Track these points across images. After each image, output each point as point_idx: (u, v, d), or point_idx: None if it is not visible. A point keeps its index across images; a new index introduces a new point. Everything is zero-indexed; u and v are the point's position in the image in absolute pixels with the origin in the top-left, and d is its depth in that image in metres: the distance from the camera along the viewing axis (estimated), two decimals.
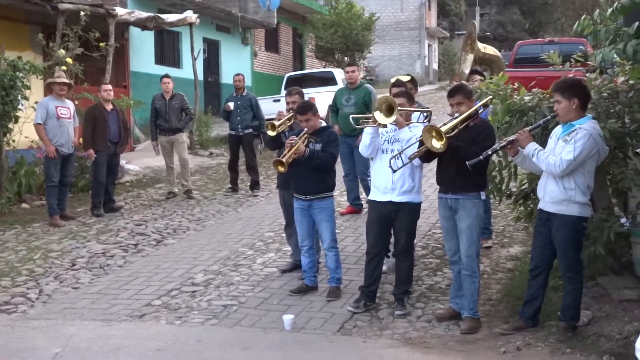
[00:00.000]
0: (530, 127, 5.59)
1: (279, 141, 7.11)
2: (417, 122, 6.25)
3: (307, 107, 6.70)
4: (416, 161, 5.98)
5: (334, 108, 9.88)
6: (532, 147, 5.37)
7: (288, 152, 6.50)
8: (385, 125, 5.99)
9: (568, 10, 25.12)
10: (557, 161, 5.19)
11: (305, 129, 6.60)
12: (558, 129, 5.49)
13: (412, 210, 6.19)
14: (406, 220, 6.16)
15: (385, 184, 6.12)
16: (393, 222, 6.20)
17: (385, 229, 6.27)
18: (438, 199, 6.05)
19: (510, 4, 53.50)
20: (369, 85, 9.84)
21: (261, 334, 5.86)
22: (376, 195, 6.25)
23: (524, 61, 17.72)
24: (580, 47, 15.07)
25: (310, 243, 6.79)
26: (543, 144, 5.61)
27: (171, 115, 11.46)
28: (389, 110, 5.83)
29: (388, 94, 6.76)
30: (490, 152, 5.51)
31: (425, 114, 6.40)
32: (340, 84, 19.73)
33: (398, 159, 5.95)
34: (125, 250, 8.66)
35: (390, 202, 6.12)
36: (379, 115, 5.85)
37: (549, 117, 5.59)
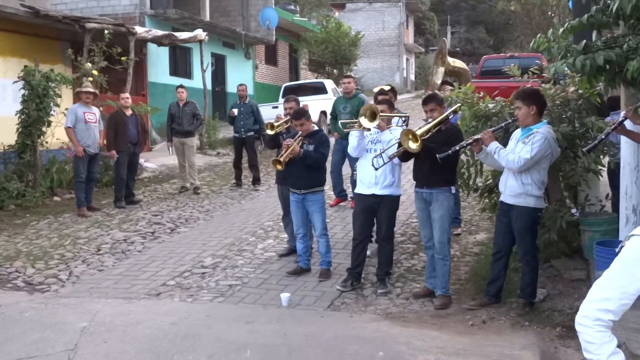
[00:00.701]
0: (493, 128, 5.60)
1: (277, 141, 7.12)
2: (397, 125, 6.26)
3: (302, 114, 6.70)
4: (396, 160, 6.02)
5: (334, 115, 9.84)
6: (494, 145, 5.37)
7: (285, 152, 6.50)
8: (369, 129, 5.99)
9: (526, 29, 25.12)
10: (516, 158, 5.20)
11: (300, 132, 6.60)
12: (518, 132, 5.49)
13: (392, 202, 6.20)
14: (387, 210, 6.17)
15: (370, 179, 6.13)
16: (376, 213, 6.20)
17: (369, 219, 6.28)
18: (414, 192, 6.06)
19: (477, 23, 53.51)
20: (362, 95, 9.81)
21: (261, 309, 5.85)
22: (361, 189, 6.25)
23: (488, 73, 17.68)
24: (537, 61, 15.11)
25: (304, 231, 6.78)
26: (505, 145, 5.62)
27: (184, 119, 11.44)
28: (373, 116, 5.85)
29: (373, 101, 6.86)
30: (457, 148, 5.52)
31: (403, 119, 6.41)
32: (330, 93, 19.72)
33: (379, 158, 5.97)
34: (143, 237, 8.63)
35: (373, 195, 6.13)
36: (363, 121, 5.87)
37: (509, 120, 5.60)
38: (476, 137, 5.50)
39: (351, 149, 6.24)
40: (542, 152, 5.20)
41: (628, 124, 5.00)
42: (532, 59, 15.74)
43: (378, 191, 6.12)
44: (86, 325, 5.43)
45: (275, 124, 7.11)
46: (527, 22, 24.02)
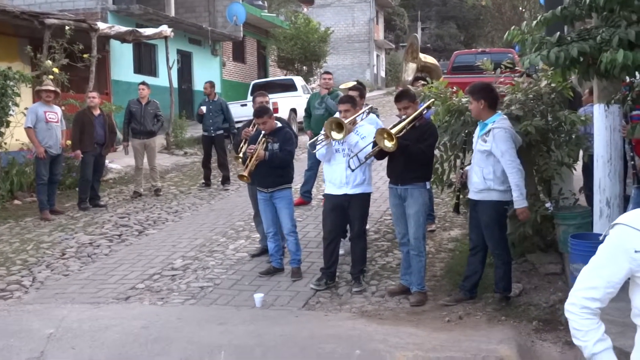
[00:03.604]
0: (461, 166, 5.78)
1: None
2: (361, 120, 6.37)
3: (263, 111, 6.69)
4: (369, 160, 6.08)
5: (308, 111, 9.83)
6: None
7: (250, 161, 6.51)
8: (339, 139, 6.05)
9: (497, 24, 25.47)
10: (512, 171, 5.30)
11: (263, 132, 6.60)
12: (477, 129, 5.62)
13: (363, 199, 6.26)
14: (359, 208, 6.22)
15: (340, 179, 6.18)
16: (347, 211, 6.25)
17: (340, 217, 6.33)
18: (389, 189, 6.11)
19: (447, 19, 53.94)
20: (340, 92, 9.82)
21: (234, 311, 5.84)
22: (332, 189, 6.29)
23: (460, 69, 17.86)
24: (510, 55, 15.35)
25: (275, 229, 6.79)
26: (469, 145, 5.77)
27: (146, 119, 11.23)
28: (339, 127, 5.95)
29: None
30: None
31: (366, 111, 6.56)
32: (300, 90, 19.73)
33: (355, 159, 6.05)
34: (110, 240, 8.54)
35: (345, 194, 6.17)
36: (334, 135, 5.96)
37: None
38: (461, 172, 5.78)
39: (321, 157, 6.32)
40: (510, 145, 5.34)
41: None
42: (504, 54, 16.00)
43: (350, 190, 6.17)
44: (52, 331, 5.36)
45: (241, 154, 6.99)
46: (498, 17, 24.36)
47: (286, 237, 6.79)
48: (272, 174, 6.59)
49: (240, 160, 6.90)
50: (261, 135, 6.63)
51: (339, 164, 6.18)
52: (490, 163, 5.39)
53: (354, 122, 6.21)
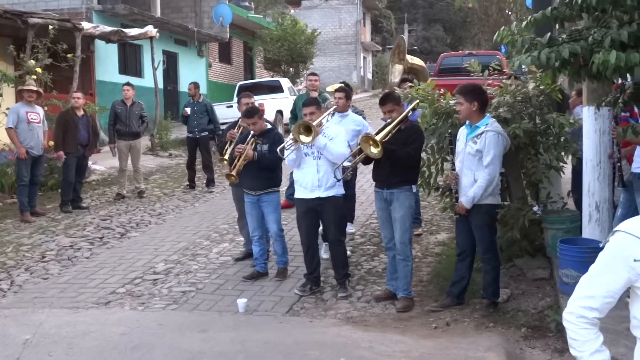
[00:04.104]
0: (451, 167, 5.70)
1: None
2: (327, 122, 6.31)
3: (253, 112, 6.59)
4: (339, 160, 6.00)
5: (294, 113, 9.71)
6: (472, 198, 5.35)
7: (238, 160, 6.39)
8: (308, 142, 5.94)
9: (484, 27, 25.49)
10: (485, 176, 5.22)
11: (252, 132, 6.49)
12: (463, 131, 5.50)
13: (336, 202, 6.14)
14: (332, 211, 6.10)
15: (312, 182, 6.06)
16: (320, 215, 6.14)
17: (314, 220, 6.23)
18: (374, 192, 6.00)
19: (434, 21, 54.06)
20: (327, 94, 9.71)
21: (217, 316, 5.71)
22: (303, 193, 6.15)
23: (446, 71, 17.83)
24: (498, 57, 15.33)
25: (260, 233, 6.66)
26: (453, 149, 5.69)
27: (132, 120, 11.08)
28: (307, 130, 5.86)
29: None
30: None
31: (332, 113, 6.64)
32: (287, 92, 19.62)
33: (339, 169, 5.97)
34: (91, 243, 8.37)
35: (318, 198, 6.06)
36: (302, 138, 5.86)
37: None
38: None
39: (291, 162, 6.17)
40: (500, 151, 5.26)
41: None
42: (491, 56, 15.98)
43: (322, 194, 6.06)
44: (29, 337, 5.21)
45: (226, 157, 6.86)
46: (485, 19, 24.38)
47: (273, 239, 6.68)
48: (260, 176, 6.46)
49: (225, 162, 6.80)
50: (250, 135, 6.50)
51: (309, 167, 6.07)
52: (482, 165, 5.28)
53: (320, 124, 6.11)
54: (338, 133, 6.11)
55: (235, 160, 6.47)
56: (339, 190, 6.16)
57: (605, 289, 2.07)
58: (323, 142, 5.97)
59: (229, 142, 6.92)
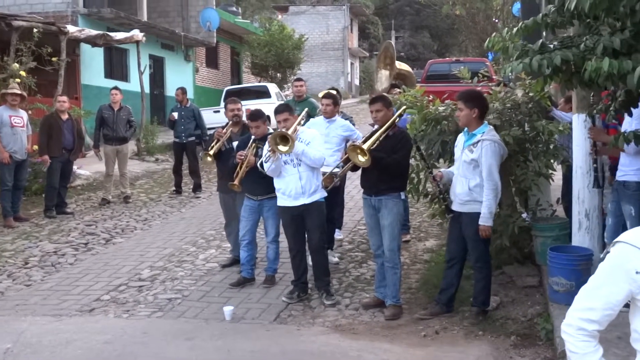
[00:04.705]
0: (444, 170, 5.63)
1: (220, 156, 6.94)
2: (301, 126, 6.28)
3: (258, 115, 6.51)
4: (318, 164, 6.01)
5: None
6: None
7: (240, 169, 6.32)
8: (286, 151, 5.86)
9: (471, 34, 25.52)
10: (491, 186, 5.16)
11: (253, 137, 6.42)
12: (461, 138, 5.46)
13: (319, 206, 6.09)
14: (316, 216, 6.05)
15: (296, 190, 5.99)
16: (305, 221, 6.07)
17: (300, 227, 6.14)
18: (363, 199, 5.94)
19: (421, 28, 54.27)
20: (312, 100, 9.66)
21: (203, 324, 5.62)
22: (287, 201, 6.08)
23: (434, 77, 17.85)
24: (485, 64, 15.36)
25: (250, 238, 6.58)
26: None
27: (119, 125, 10.97)
28: (284, 139, 5.78)
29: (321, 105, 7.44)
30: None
31: (305, 117, 6.64)
32: (274, 97, 19.55)
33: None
34: (76, 249, 8.24)
35: (303, 204, 6.01)
36: (281, 148, 5.77)
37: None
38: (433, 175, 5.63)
39: (273, 173, 6.06)
40: (497, 160, 5.20)
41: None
42: (478, 63, 15.99)
43: (307, 200, 6.01)
44: (10, 346, 5.10)
45: (212, 152, 6.91)
46: (472, 26, 24.42)
47: (268, 245, 6.61)
48: (262, 182, 6.35)
49: (209, 158, 6.83)
50: (251, 140, 6.43)
51: (291, 175, 5.99)
52: (477, 174, 5.24)
53: (295, 130, 6.05)
54: (314, 137, 6.06)
55: (238, 168, 6.40)
56: (322, 193, 6.14)
57: (605, 300, 2.03)
58: (301, 149, 5.90)
59: (215, 140, 6.91)
